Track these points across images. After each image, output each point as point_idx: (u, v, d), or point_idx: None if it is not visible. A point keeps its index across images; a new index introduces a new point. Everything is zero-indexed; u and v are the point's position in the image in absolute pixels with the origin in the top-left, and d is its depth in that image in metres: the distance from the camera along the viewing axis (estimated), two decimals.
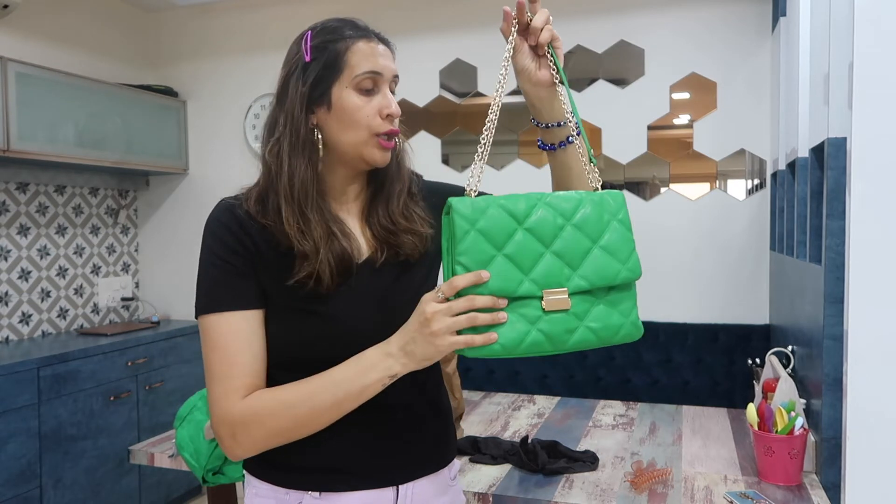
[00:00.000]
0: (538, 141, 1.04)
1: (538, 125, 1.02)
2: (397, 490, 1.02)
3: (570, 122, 1.00)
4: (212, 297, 0.96)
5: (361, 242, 1.04)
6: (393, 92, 1.02)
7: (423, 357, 0.87)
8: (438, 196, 1.06)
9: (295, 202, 0.97)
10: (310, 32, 1.00)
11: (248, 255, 0.97)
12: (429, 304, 0.85)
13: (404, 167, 1.09)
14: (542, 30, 0.94)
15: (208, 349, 0.95)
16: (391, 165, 1.06)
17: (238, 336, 0.94)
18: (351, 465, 1.00)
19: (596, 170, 1.00)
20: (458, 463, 1.18)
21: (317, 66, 0.97)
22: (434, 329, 0.84)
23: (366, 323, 0.98)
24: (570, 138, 1.01)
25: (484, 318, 0.83)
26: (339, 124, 0.98)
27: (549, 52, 0.95)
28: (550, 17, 0.94)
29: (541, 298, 0.87)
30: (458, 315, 0.83)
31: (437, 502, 1.08)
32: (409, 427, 1.03)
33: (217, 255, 0.97)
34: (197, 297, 0.98)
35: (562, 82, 0.97)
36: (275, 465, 1.00)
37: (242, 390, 0.93)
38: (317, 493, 0.99)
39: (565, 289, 0.88)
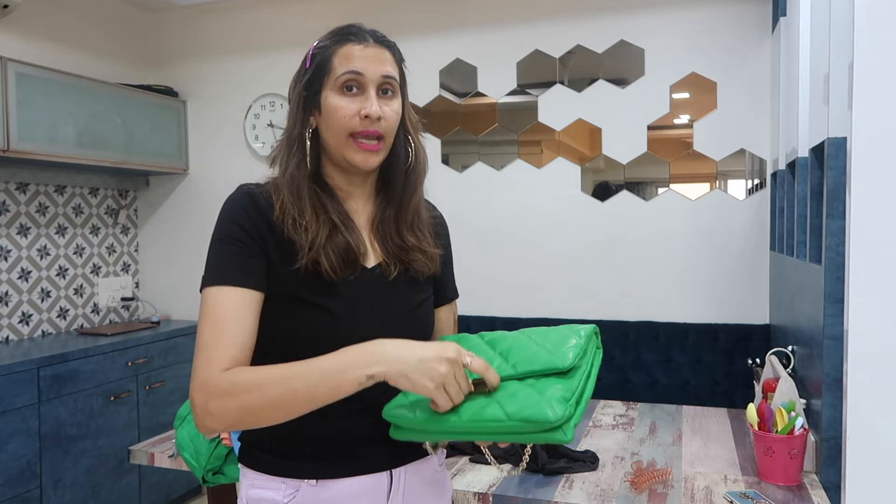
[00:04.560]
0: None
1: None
2: (391, 475, 1.05)
3: None
4: (215, 272, 0.97)
5: (369, 249, 1.06)
6: (394, 93, 1.02)
7: (409, 382, 0.87)
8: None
9: (291, 194, 1.00)
10: (316, 42, 1.04)
11: (261, 241, 0.98)
12: (454, 350, 0.88)
13: (419, 175, 1.09)
14: None
15: (202, 320, 0.95)
16: (399, 175, 1.07)
17: (231, 309, 0.94)
18: (347, 452, 1.01)
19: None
20: (443, 451, 1.19)
21: (311, 71, 1.02)
22: (441, 371, 0.86)
23: (367, 328, 0.99)
24: None
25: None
26: (325, 126, 1.01)
27: None
28: None
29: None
30: (457, 383, 0.89)
31: (427, 488, 1.11)
32: None
33: (230, 235, 0.98)
34: (204, 271, 0.99)
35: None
36: (271, 453, 1.02)
37: (225, 361, 0.91)
38: (313, 481, 1.00)
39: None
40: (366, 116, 0.98)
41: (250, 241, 0.98)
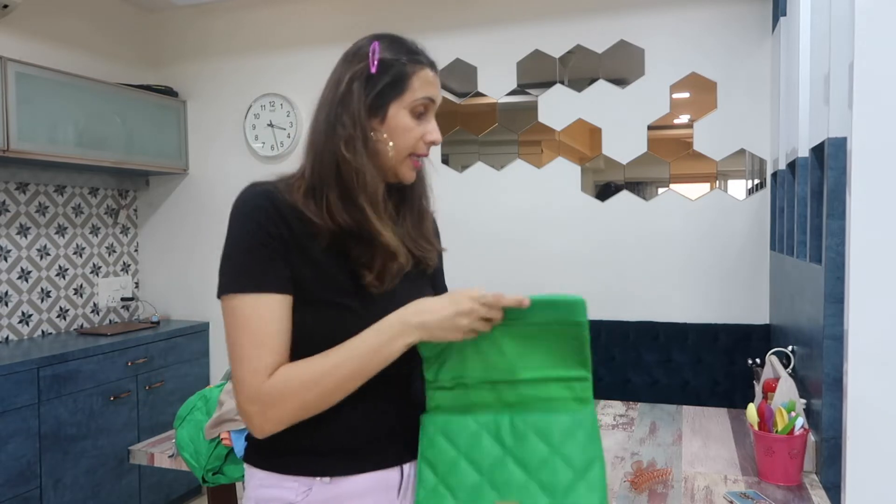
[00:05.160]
0: None
1: None
2: (402, 470, 1.06)
3: None
4: (246, 278, 0.96)
5: None
6: None
7: (439, 337, 0.96)
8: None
9: (369, 199, 1.01)
10: (377, 44, 1.03)
11: (285, 242, 0.98)
12: (467, 300, 0.95)
13: (428, 184, 1.17)
14: None
15: (237, 329, 0.95)
16: (421, 182, 1.14)
17: (271, 318, 0.95)
18: (360, 447, 1.02)
19: None
20: None
21: (382, 81, 1.01)
22: (462, 324, 0.95)
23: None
24: None
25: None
26: (385, 139, 1.03)
27: None
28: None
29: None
30: (483, 322, 0.96)
31: None
32: (409, 408, 1.07)
33: (253, 237, 0.96)
34: (226, 275, 0.97)
35: None
36: (282, 452, 1.01)
37: (270, 369, 0.94)
38: (328, 479, 1.00)
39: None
40: (431, 142, 1.05)
41: (273, 243, 0.97)
